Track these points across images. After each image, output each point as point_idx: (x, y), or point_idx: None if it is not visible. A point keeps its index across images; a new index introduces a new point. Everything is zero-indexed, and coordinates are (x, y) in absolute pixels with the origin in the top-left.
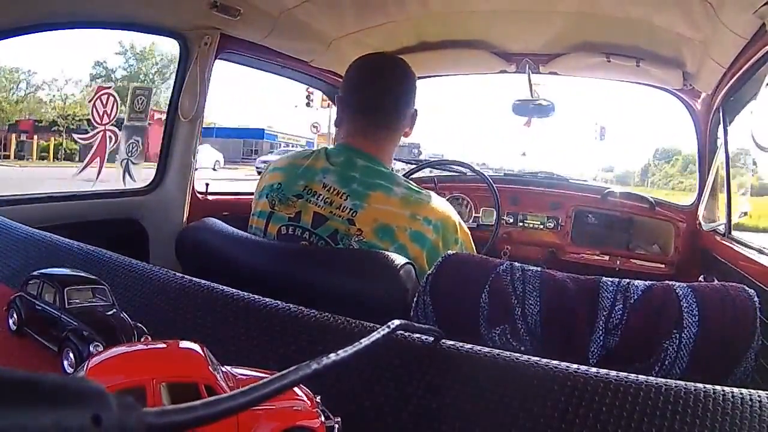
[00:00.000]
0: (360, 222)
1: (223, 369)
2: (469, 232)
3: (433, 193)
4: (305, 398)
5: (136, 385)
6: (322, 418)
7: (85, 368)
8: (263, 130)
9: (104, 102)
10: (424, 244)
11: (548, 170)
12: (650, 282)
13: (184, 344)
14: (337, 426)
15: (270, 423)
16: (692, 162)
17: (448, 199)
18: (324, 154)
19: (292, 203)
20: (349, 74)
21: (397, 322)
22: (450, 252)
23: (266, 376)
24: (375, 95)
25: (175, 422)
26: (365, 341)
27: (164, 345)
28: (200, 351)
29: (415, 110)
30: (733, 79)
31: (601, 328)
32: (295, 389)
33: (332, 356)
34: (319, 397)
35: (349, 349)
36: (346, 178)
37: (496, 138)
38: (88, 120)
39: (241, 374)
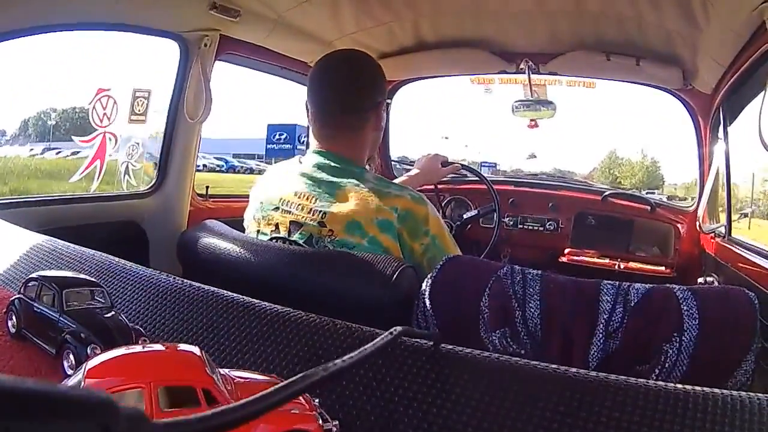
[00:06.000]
0: (330, 222)
1: (221, 372)
2: (447, 231)
3: (409, 188)
4: (303, 401)
5: (133, 389)
6: (320, 421)
7: (83, 371)
8: None
9: (104, 105)
10: (392, 233)
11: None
12: (650, 285)
13: (183, 347)
14: (334, 429)
15: (268, 426)
16: None
17: (448, 201)
18: (296, 163)
19: (271, 218)
20: (308, 78)
21: (399, 328)
22: (450, 255)
23: (264, 378)
24: (326, 96)
25: None
26: (369, 347)
27: (162, 348)
28: (198, 354)
29: (381, 103)
30: (733, 78)
31: (601, 331)
32: None
33: (338, 363)
34: (317, 400)
35: (354, 356)
36: (314, 182)
37: (504, 140)
38: None
39: (239, 377)
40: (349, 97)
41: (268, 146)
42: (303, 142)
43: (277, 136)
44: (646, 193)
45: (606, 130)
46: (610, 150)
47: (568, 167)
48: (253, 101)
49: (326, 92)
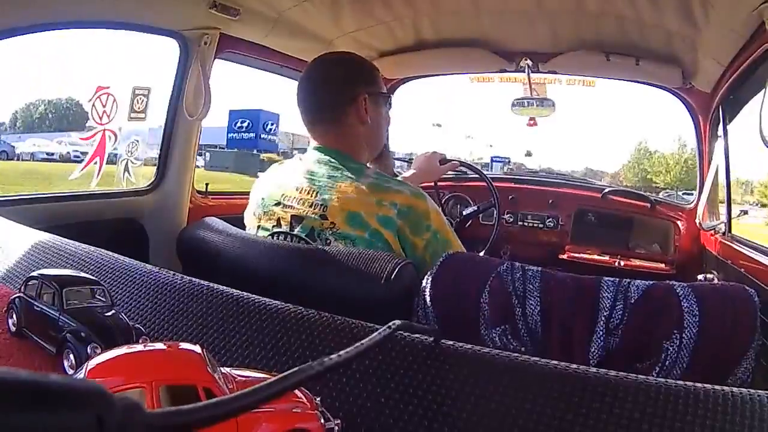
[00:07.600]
0: (331, 215)
1: (223, 371)
2: (447, 223)
3: (408, 184)
4: (305, 400)
5: (135, 388)
6: (322, 420)
7: (84, 370)
8: None
9: (104, 102)
10: (392, 228)
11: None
12: (650, 282)
13: (184, 346)
14: (336, 428)
15: (269, 425)
16: None
17: (448, 198)
18: (297, 160)
19: (273, 213)
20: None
21: (397, 322)
22: (450, 252)
23: (266, 377)
24: (308, 95)
25: (177, 423)
26: (366, 342)
27: (164, 347)
28: (199, 353)
29: (360, 95)
30: (732, 78)
31: (601, 328)
32: (295, 390)
33: (334, 357)
34: (318, 398)
35: (351, 351)
36: (315, 176)
37: (501, 137)
38: None
39: (241, 376)
40: (324, 95)
41: (230, 135)
42: (269, 130)
43: (239, 124)
44: (683, 194)
45: (632, 122)
46: (639, 141)
47: (595, 165)
48: (214, 84)
49: (306, 94)
